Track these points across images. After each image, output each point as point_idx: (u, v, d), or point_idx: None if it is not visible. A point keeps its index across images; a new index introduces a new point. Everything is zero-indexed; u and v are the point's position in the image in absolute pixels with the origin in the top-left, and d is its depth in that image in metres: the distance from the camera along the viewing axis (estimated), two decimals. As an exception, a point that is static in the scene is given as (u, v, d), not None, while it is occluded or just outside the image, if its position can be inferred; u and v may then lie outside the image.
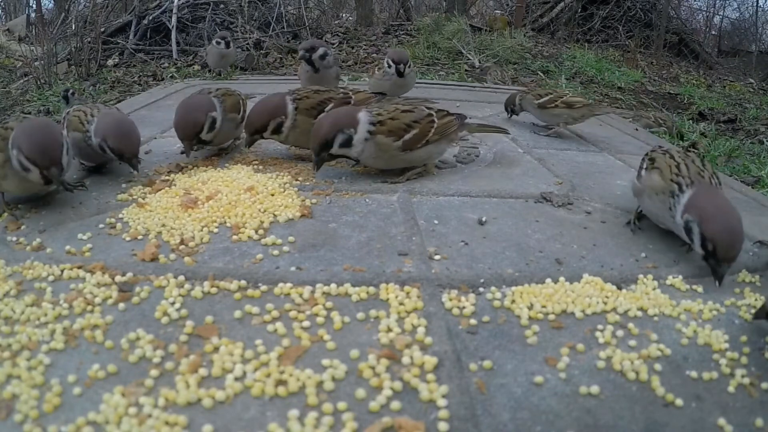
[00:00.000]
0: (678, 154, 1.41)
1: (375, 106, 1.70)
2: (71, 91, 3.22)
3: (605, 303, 1.08)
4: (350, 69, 4.76)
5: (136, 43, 5.07)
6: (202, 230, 1.30)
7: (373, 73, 2.88)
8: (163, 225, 1.32)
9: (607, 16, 7.43)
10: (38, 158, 1.29)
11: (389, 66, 2.65)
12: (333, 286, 1.09)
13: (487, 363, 0.90)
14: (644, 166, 1.45)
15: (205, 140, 1.75)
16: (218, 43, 3.88)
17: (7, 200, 1.41)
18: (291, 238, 1.29)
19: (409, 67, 2.68)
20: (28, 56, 4.30)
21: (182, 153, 1.87)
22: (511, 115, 2.63)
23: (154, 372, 0.85)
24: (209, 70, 4.18)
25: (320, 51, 2.56)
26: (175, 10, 5.12)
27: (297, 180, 1.64)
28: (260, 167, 1.73)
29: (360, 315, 1.01)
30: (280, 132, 1.78)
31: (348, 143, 1.59)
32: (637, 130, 2.78)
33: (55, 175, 1.32)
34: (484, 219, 1.44)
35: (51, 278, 1.10)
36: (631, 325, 1.02)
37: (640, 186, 1.42)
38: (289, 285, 1.09)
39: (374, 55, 5.37)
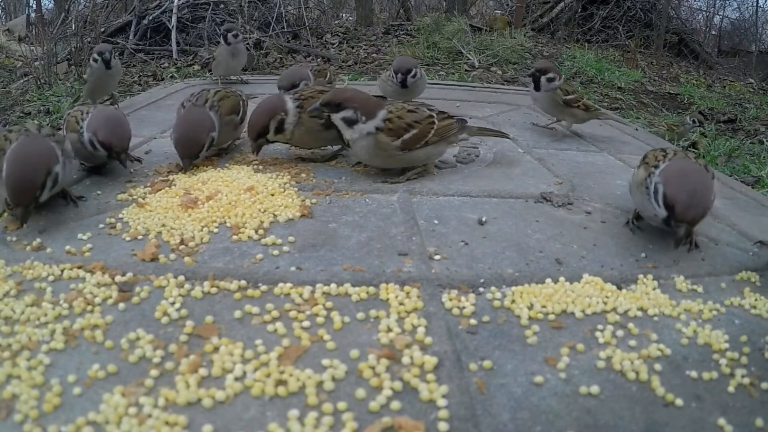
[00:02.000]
0: (671, 149, 1.43)
1: (389, 104, 1.71)
2: (110, 52, 2.71)
3: (605, 303, 1.08)
4: (350, 69, 4.76)
5: (136, 43, 5.07)
6: (202, 230, 1.30)
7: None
8: (163, 225, 1.32)
9: (607, 16, 7.42)
10: (11, 197, 1.25)
11: (394, 76, 2.49)
12: (333, 286, 1.09)
13: (487, 363, 0.90)
14: (638, 164, 1.47)
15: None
16: (224, 37, 3.10)
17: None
18: (291, 238, 1.29)
19: (413, 76, 2.50)
20: (28, 56, 4.29)
21: (180, 170, 1.74)
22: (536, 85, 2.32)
23: (154, 372, 0.85)
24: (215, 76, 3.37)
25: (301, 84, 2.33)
26: (175, 10, 5.12)
27: (297, 180, 1.64)
28: (260, 167, 1.73)
29: (360, 315, 1.01)
30: (283, 130, 1.75)
31: (352, 123, 1.61)
32: (637, 129, 2.78)
33: (21, 215, 1.26)
34: (484, 219, 1.44)
35: (51, 278, 1.10)
36: (631, 325, 1.02)
37: (630, 182, 1.45)
38: (289, 285, 1.09)
39: (374, 55, 5.37)
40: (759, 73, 7.49)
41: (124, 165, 1.59)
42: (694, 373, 0.91)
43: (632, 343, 0.98)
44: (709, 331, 1.01)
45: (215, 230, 1.31)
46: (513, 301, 1.08)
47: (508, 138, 2.07)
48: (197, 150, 1.70)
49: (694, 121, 3.43)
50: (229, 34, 3.13)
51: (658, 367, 0.92)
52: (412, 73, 2.49)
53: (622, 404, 0.84)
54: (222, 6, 5.47)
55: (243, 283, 1.10)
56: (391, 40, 6.00)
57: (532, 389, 0.86)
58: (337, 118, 1.62)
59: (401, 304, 1.05)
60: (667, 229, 1.30)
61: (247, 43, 5.02)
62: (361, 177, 1.71)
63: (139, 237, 1.27)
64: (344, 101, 1.61)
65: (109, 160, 1.63)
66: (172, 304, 1.02)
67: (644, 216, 1.39)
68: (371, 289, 1.09)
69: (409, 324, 0.99)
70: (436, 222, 1.41)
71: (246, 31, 5.09)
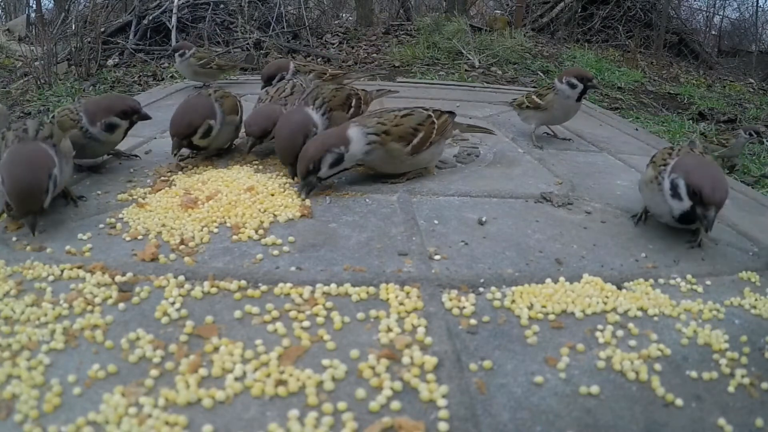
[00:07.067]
0: (677, 147, 1.48)
1: (374, 118, 1.65)
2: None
3: (605, 303, 1.08)
4: (350, 69, 4.76)
5: (136, 43, 5.07)
6: (202, 230, 1.30)
7: None
8: (163, 225, 1.32)
9: (607, 16, 7.42)
10: (17, 206, 1.23)
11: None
12: (333, 286, 1.09)
13: (487, 363, 0.90)
14: (647, 164, 1.51)
15: (199, 145, 1.73)
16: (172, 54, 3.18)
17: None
18: (291, 238, 1.29)
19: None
20: (28, 56, 4.29)
21: (173, 154, 1.76)
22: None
23: (154, 372, 0.85)
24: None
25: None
26: (175, 10, 5.12)
27: (297, 180, 1.63)
28: (260, 167, 1.73)
29: (360, 315, 1.01)
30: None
31: (339, 162, 1.53)
32: (637, 130, 2.78)
33: (31, 223, 1.23)
34: (484, 219, 1.44)
35: (51, 278, 1.10)
36: (631, 325, 1.02)
37: (640, 182, 1.48)
38: (289, 285, 1.09)
39: (374, 55, 5.37)
40: (759, 73, 7.49)
41: (148, 117, 1.67)
42: (694, 373, 0.91)
43: (632, 343, 0.98)
44: (709, 331, 1.01)
45: (215, 230, 1.31)
46: (513, 301, 1.08)
47: (494, 134, 2.14)
48: (188, 131, 1.67)
49: (750, 134, 2.55)
50: (176, 54, 3.17)
51: (658, 367, 0.92)
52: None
53: (622, 404, 0.84)
54: (222, 6, 5.48)
55: (243, 283, 1.10)
56: (391, 40, 6.00)
57: (532, 389, 0.86)
58: (325, 171, 1.51)
59: (401, 304, 1.05)
60: (678, 226, 1.35)
61: (247, 44, 5.02)
62: (361, 177, 1.71)
63: (139, 237, 1.27)
64: (315, 155, 1.49)
65: (107, 157, 1.64)
66: (172, 304, 1.02)
67: (654, 213, 1.43)
68: (371, 289, 1.09)
69: (409, 324, 0.99)
70: (436, 222, 1.41)
71: (246, 31, 5.09)
